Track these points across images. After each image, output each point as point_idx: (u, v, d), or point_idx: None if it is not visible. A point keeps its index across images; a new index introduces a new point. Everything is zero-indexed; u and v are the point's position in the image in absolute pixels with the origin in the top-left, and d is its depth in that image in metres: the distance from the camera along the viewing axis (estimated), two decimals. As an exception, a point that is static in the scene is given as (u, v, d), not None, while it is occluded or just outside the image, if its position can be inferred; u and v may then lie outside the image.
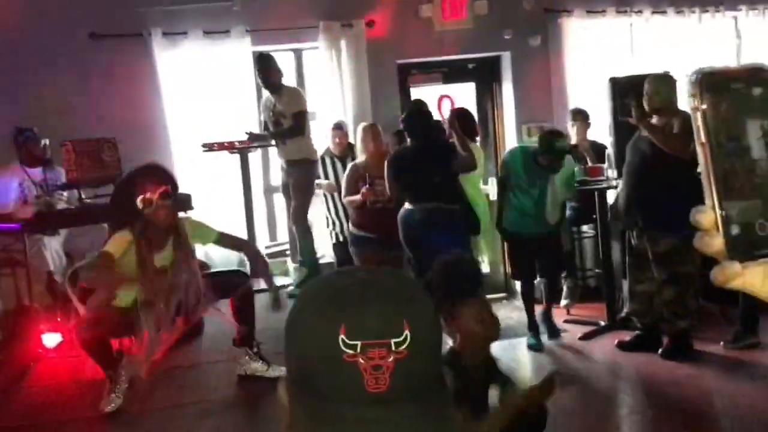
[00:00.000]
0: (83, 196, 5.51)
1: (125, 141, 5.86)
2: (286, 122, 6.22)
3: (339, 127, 6.51)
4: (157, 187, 4.13)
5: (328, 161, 6.46)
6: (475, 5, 6.99)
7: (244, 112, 6.73)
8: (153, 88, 6.53)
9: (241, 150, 6.34)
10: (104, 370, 4.22)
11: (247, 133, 6.28)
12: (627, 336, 5.27)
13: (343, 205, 6.14)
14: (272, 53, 6.52)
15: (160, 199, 4.13)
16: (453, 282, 2.72)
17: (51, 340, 4.91)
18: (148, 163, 4.55)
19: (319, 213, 6.58)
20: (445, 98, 6.89)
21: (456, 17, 6.98)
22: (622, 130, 5.79)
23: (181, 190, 6.32)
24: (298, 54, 7.15)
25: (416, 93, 7.46)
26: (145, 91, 6.51)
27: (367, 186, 5.66)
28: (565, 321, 5.86)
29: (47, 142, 5.69)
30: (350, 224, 5.99)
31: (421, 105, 5.70)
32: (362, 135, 6.05)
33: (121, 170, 5.73)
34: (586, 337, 5.51)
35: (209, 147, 6.33)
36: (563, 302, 6.13)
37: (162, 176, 4.31)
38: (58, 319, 5.04)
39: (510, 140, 7.19)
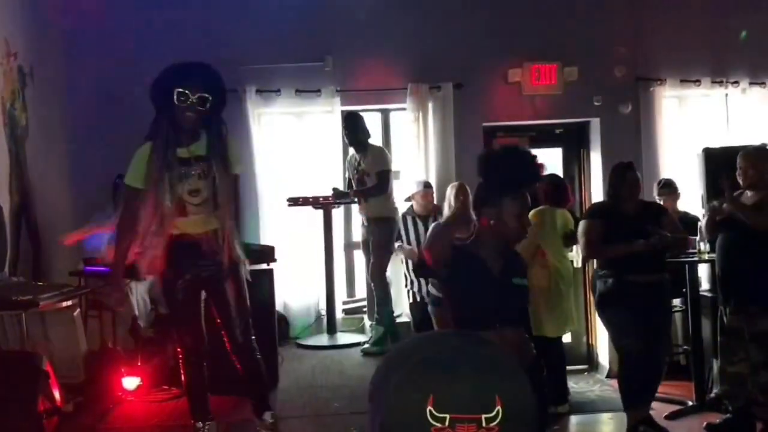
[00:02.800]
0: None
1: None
2: (370, 180, 6.28)
3: (424, 187, 6.52)
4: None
5: (409, 220, 6.45)
6: (565, 71, 6.96)
7: (330, 168, 6.84)
8: (244, 142, 6.72)
9: (325, 205, 6.43)
10: (194, 414, 3.97)
11: (332, 189, 6.39)
12: (716, 419, 4.97)
13: (422, 265, 6.10)
14: (360, 113, 6.64)
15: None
16: None
17: (131, 383, 5.00)
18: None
19: (397, 271, 6.56)
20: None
21: (545, 82, 6.96)
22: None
23: (265, 242, 6.48)
24: (385, 114, 7.25)
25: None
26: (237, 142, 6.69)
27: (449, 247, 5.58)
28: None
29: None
30: (429, 284, 5.93)
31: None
32: (450, 193, 6.04)
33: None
34: (672, 416, 5.23)
35: (294, 201, 6.45)
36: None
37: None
38: (139, 363, 5.14)
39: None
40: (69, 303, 4.70)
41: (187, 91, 3.65)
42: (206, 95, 3.69)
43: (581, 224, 5.04)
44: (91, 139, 6.13)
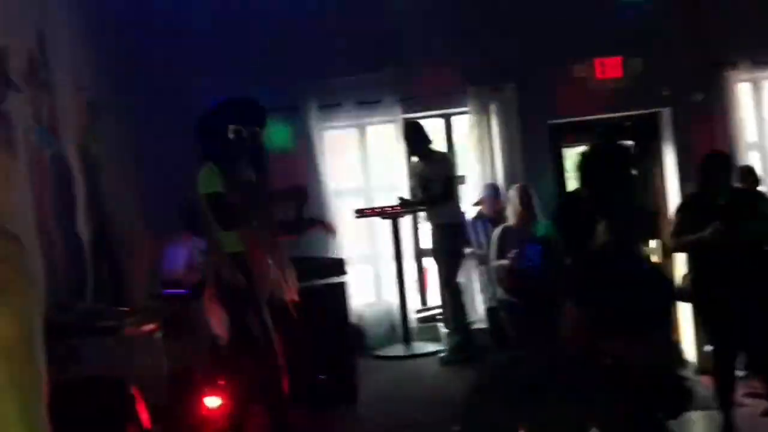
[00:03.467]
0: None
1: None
2: (436, 187, 6.23)
3: (492, 190, 6.44)
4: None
5: (479, 225, 6.38)
6: (630, 62, 6.77)
7: (395, 177, 6.82)
8: (308, 158, 6.77)
9: (392, 215, 6.41)
10: None
11: (399, 198, 6.37)
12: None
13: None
14: (421, 120, 6.60)
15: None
16: None
17: (212, 402, 5.06)
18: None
19: (470, 277, 6.49)
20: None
21: (610, 75, 6.79)
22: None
23: (335, 255, 6.50)
24: (447, 119, 7.20)
25: (570, 153, 7.29)
26: (302, 158, 6.74)
27: (516, 251, 5.54)
28: (746, 395, 5.34)
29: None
30: (499, 289, 5.86)
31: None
32: (512, 197, 5.96)
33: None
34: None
35: (361, 213, 6.46)
36: (740, 373, 5.61)
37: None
38: (220, 383, 5.20)
39: (673, 200, 6.81)
40: (151, 326, 4.80)
41: (240, 128, 3.79)
42: (257, 129, 3.84)
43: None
44: (164, 166, 6.26)
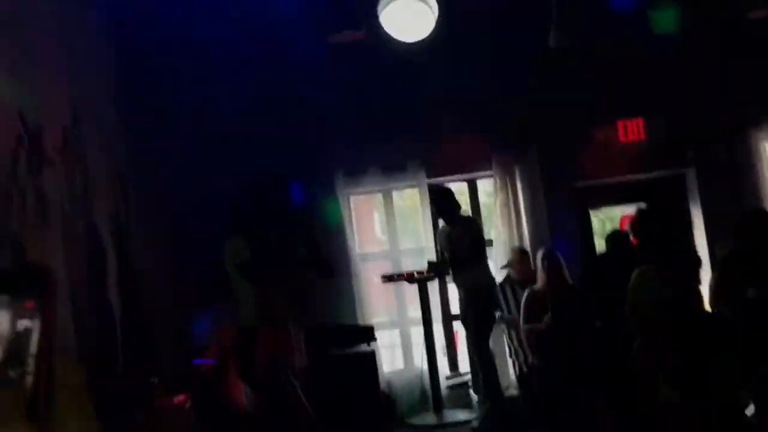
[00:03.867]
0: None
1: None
2: (463, 251, 6.21)
3: (520, 253, 6.42)
4: None
5: (507, 289, 6.34)
6: (652, 124, 6.80)
7: (421, 241, 6.83)
8: (335, 223, 6.80)
9: (420, 280, 6.38)
10: None
11: (428, 263, 6.36)
12: None
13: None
14: (446, 183, 6.64)
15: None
16: None
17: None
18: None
19: (500, 342, 6.41)
20: (628, 219, 6.65)
21: (633, 137, 6.82)
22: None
23: (363, 321, 6.47)
24: (472, 183, 7.22)
25: (595, 215, 7.28)
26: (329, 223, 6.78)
27: (549, 315, 5.51)
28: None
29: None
30: (531, 354, 5.79)
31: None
32: (540, 261, 5.96)
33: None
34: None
35: (389, 278, 6.44)
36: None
37: None
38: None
39: (704, 259, 6.72)
40: (180, 397, 4.77)
41: (267, 199, 3.90)
42: (284, 209, 3.94)
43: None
44: (194, 235, 6.30)
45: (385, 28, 6.24)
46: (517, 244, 6.71)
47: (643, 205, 6.04)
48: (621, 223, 6.65)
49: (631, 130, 6.82)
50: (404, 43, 6.33)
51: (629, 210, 6.96)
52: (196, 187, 6.48)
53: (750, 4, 6.40)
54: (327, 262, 4.42)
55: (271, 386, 3.98)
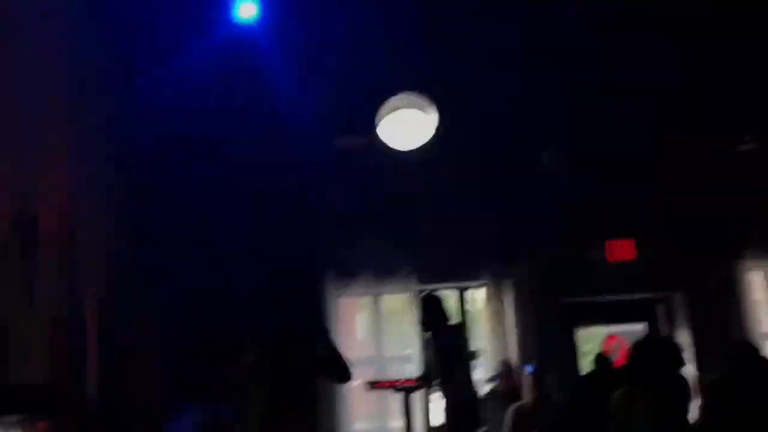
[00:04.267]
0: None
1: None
2: (450, 362, 6.12)
3: (505, 367, 6.35)
4: None
5: (492, 403, 6.22)
6: (642, 246, 6.89)
7: (408, 349, 6.75)
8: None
9: (404, 389, 6.26)
10: None
11: (421, 376, 6.26)
12: None
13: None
14: (436, 291, 6.63)
15: None
16: None
17: None
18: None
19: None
20: (613, 339, 6.64)
21: (622, 257, 6.89)
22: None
23: (344, 427, 6.31)
24: (461, 291, 7.22)
25: (583, 333, 7.26)
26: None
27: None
28: None
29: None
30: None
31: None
32: (527, 377, 5.89)
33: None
34: None
35: (373, 385, 6.32)
36: None
37: None
38: None
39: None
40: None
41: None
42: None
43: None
44: (177, 336, 6.22)
45: (383, 136, 6.42)
46: (504, 356, 6.65)
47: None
48: (605, 343, 6.64)
49: (622, 250, 6.88)
50: (403, 151, 6.48)
51: (615, 330, 6.97)
52: (183, 282, 6.46)
53: (740, 138, 6.61)
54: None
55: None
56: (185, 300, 6.24)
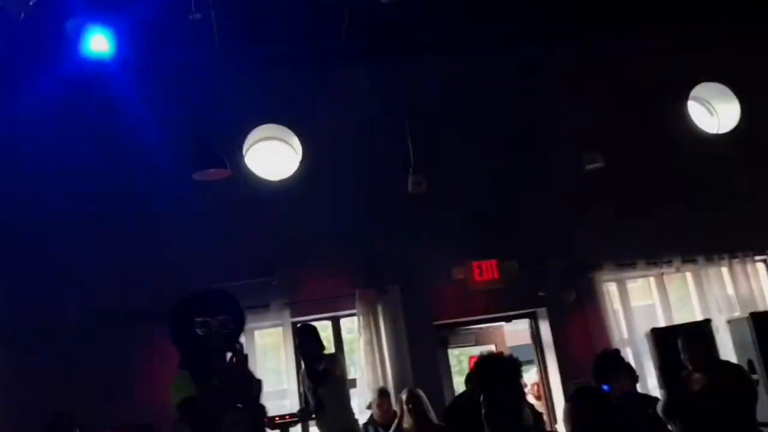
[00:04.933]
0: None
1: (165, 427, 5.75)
2: (326, 392, 6.08)
3: (382, 394, 6.38)
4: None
5: (371, 430, 6.23)
6: (505, 266, 7.16)
7: (284, 383, 6.65)
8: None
9: (281, 425, 6.15)
10: None
11: (300, 409, 6.18)
12: None
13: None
14: (310, 322, 6.59)
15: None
16: None
17: None
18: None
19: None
20: (475, 359, 6.84)
21: (488, 278, 7.13)
22: (671, 381, 5.65)
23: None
24: (335, 322, 7.22)
25: (454, 354, 7.43)
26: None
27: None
28: None
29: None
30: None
31: None
32: (402, 401, 5.94)
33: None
34: None
35: (250, 422, 6.16)
36: None
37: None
38: None
39: (558, 397, 6.98)
40: None
41: (207, 319, 3.57)
42: (226, 318, 3.62)
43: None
44: (17, 379, 5.86)
45: (249, 167, 6.34)
46: (381, 383, 6.68)
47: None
48: (470, 364, 6.83)
49: (486, 270, 7.12)
50: (269, 181, 6.43)
51: (480, 350, 7.20)
52: (34, 323, 6.11)
53: (587, 159, 7.02)
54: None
55: None
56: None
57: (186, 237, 6.70)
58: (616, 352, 5.36)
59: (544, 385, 7.23)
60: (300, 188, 6.92)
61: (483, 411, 4.33)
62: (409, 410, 5.85)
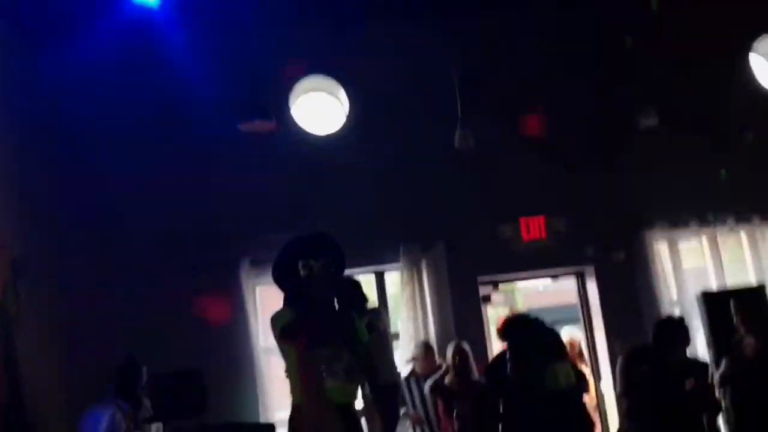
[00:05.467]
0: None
1: (213, 370, 5.88)
2: (370, 344, 6.09)
3: (424, 348, 6.38)
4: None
5: (413, 383, 6.25)
6: (553, 223, 7.03)
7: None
8: (239, 314, 6.62)
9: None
10: None
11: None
12: None
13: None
14: (354, 276, 6.59)
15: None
16: None
17: None
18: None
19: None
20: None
21: (535, 236, 7.02)
22: (720, 345, 5.55)
23: (266, 419, 6.21)
24: (379, 276, 7.20)
25: (497, 312, 7.38)
26: (234, 320, 6.59)
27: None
28: None
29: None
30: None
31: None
32: (449, 354, 5.95)
33: (204, 403, 5.71)
34: None
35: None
36: None
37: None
38: None
39: (603, 357, 6.90)
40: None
41: (311, 262, 3.67)
42: (329, 262, 3.72)
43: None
44: (87, 329, 6.00)
45: (295, 120, 6.31)
46: (423, 337, 6.69)
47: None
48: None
49: (534, 227, 7.00)
50: (315, 135, 6.40)
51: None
52: (94, 275, 6.24)
53: (642, 115, 6.80)
54: None
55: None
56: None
57: (237, 186, 6.71)
58: (681, 321, 5.22)
59: (590, 345, 7.14)
60: (345, 142, 6.86)
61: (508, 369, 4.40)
62: (455, 364, 5.84)
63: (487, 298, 7.27)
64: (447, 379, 5.95)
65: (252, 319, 6.67)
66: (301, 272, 3.65)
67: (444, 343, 6.37)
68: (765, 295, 5.71)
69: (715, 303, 5.82)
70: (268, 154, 6.73)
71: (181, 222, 6.59)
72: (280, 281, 3.77)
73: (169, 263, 6.52)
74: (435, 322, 6.81)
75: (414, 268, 6.95)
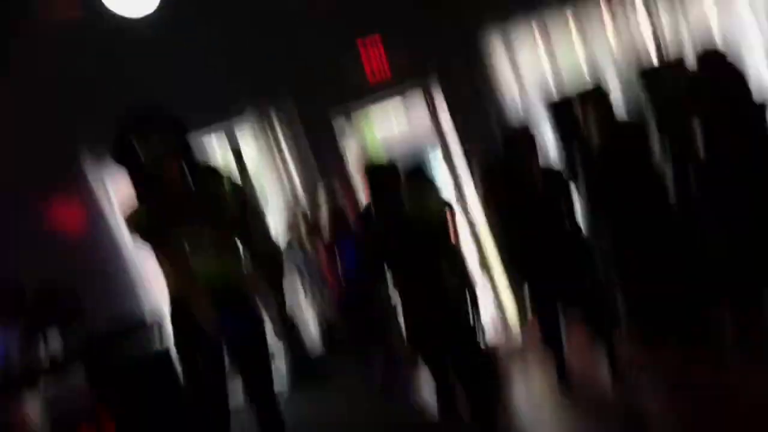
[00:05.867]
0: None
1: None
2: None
3: (296, 211, 6.47)
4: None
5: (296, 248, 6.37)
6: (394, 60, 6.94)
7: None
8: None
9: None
10: None
11: None
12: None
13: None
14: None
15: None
16: None
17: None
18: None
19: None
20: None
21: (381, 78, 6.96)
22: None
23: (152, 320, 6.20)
24: (231, 136, 6.98)
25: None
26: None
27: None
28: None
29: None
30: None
31: None
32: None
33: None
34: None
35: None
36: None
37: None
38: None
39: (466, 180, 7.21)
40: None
41: (147, 135, 3.46)
42: (167, 132, 3.52)
43: None
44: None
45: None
46: (289, 192, 6.74)
47: None
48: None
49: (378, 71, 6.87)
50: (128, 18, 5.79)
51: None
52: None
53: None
54: None
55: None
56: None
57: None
58: (526, 129, 5.26)
59: (450, 169, 7.34)
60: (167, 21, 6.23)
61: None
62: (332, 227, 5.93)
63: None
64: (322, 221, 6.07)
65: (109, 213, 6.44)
66: (138, 149, 3.42)
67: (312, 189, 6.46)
68: (603, 92, 5.74)
69: (559, 111, 5.99)
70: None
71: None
72: (120, 162, 3.51)
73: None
74: (298, 171, 6.83)
75: (264, 120, 6.81)
